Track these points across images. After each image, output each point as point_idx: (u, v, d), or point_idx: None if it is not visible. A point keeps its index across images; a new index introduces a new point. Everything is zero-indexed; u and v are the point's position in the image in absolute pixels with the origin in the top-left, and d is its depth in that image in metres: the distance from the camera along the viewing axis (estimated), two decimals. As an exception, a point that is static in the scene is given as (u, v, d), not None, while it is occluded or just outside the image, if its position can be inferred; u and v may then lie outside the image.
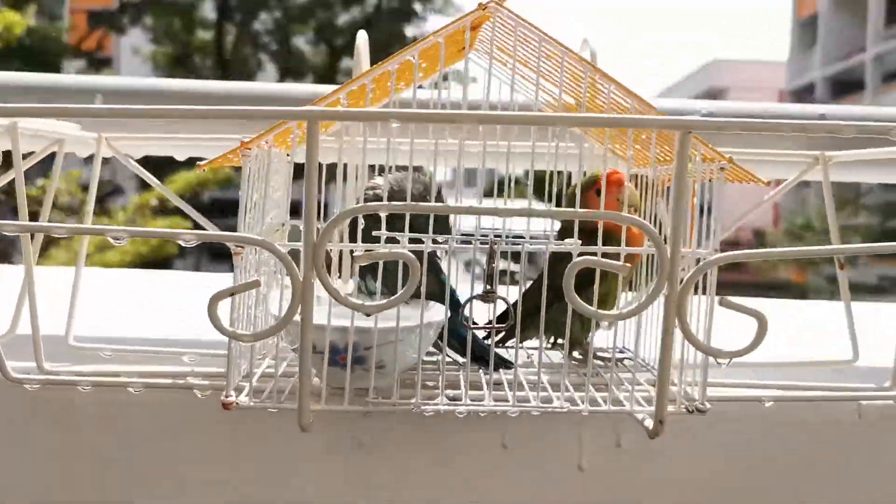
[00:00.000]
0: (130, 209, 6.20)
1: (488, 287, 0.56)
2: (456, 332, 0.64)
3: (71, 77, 0.88)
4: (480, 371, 0.65)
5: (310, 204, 0.50)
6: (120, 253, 6.70)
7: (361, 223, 0.57)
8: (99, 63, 14.21)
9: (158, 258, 6.91)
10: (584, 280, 0.54)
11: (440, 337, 0.64)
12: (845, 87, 16.73)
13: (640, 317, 0.65)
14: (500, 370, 0.64)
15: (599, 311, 0.52)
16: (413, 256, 0.51)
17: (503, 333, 0.68)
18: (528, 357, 0.72)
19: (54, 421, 0.68)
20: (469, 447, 0.68)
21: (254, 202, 0.58)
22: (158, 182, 0.80)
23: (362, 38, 0.84)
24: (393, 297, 0.51)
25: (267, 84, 0.86)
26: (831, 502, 0.70)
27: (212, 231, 0.51)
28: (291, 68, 13.39)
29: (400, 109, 0.50)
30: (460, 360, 0.65)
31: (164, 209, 6.72)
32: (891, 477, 0.70)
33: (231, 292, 0.52)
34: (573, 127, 0.49)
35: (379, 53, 0.64)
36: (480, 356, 0.65)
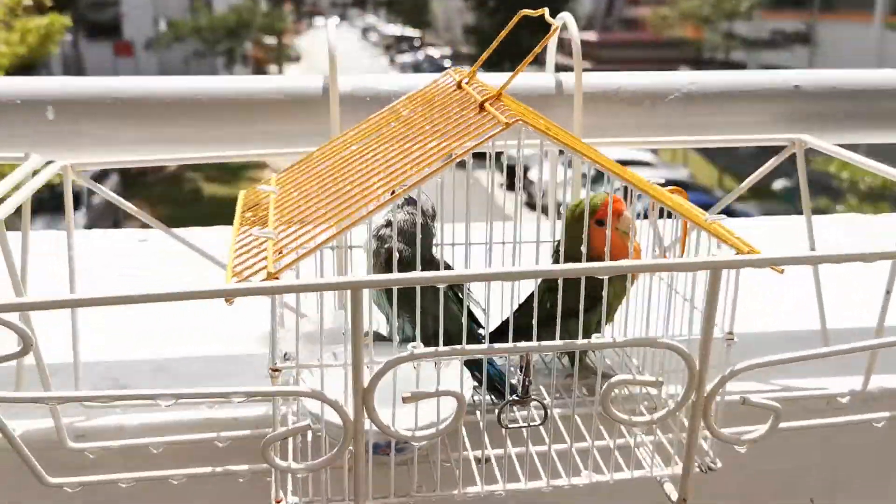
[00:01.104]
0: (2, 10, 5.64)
1: (523, 395, 0.59)
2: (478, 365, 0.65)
3: (8, 81, 0.79)
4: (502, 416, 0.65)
5: (357, 355, 0.51)
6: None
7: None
8: None
9: (36, 57, 6.46)
10: (574, 309, 0.57)
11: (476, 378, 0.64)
12: None
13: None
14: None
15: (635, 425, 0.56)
16: (462, 395, 0.53)
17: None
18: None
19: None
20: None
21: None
22: (132, 206, 0.76)
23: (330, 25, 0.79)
24: (440, 429, 0.54)
25: (237, 79, 0.81)
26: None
27: (259, 387, 0.51)
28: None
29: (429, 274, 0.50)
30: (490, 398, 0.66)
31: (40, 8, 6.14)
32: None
33: (284, 436, 0.53)
34: (582, 276, 0.50)
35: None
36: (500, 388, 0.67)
